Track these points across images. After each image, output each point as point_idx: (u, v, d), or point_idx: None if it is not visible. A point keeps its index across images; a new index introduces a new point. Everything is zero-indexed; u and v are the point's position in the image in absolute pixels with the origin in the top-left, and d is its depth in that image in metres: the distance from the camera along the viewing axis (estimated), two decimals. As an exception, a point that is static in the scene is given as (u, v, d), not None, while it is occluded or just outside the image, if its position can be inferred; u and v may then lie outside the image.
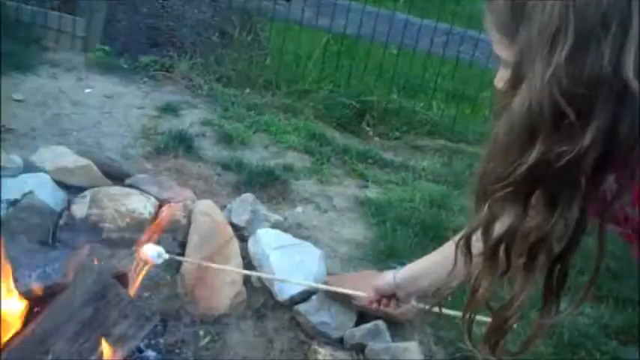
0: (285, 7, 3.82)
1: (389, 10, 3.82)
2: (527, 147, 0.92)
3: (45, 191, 2.41)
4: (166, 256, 1.87)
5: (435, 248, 2.93)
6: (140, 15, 4.13)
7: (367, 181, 3.21)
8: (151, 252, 1.88)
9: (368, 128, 3.81)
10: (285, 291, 2.30)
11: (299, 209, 2.83)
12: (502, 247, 1.02)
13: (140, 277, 2.01)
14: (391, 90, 3.97)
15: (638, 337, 2.61)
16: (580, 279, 1.14)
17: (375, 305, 1.75)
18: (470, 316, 1.12)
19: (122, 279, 2.13)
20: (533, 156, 0.92)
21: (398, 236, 2.77)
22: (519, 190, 0.96)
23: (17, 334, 1.86)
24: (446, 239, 2.87)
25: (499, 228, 1.01)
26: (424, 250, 2.78)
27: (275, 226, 2.58)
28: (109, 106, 3.31)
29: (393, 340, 2.28)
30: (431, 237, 2.84)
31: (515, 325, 1.07)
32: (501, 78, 0.99)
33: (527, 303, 1.03)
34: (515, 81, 0.92)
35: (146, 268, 1.97)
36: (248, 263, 2.39)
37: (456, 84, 4.12)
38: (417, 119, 3.88)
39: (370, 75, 3.99)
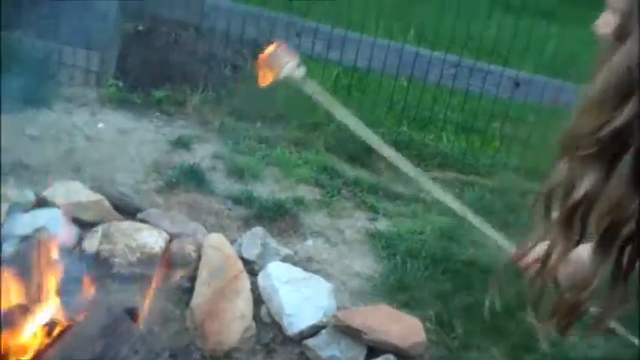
0: (295, 41, 3.85)
1: (399, 43, 3.85)
2: (621, 106, 0.91)
3: (57, 226, 2.43)
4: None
5: (445, 281, 2.93)
6: (153, 49, 4.18)
7: (378, 213, 3.22)
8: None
9: (378, 161, 3.82)
10: (295, 325, 2.30)
11: (309, 242, 2.83)
12: (579, 213, 0.99)
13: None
14: (401, 122, 3.98)
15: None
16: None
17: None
18: (540, 285, 1.09)
19: (133, 314, 2.14)
20: (624, 115, 0.91)
21: (408, 269, 2.77)
22: (605, 150, 0.94)
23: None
24: (456, 271, 2.88)
25: (578, 191, 0.98)
26: (434, 283, 2.80)
27: (285, 259, 2.59)
28: (121, 140, 3.35)
29: (403, 375, 2.28)
30: (441, 270, 2.83)
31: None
32: (605, 23, 0.97)
33: (601, 285, 1.00)
34: (620, 33, 0.91)
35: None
36: (258, 297, 2.40)
37: (466, 116, 4.13)
38: (428, 151, 3.89)
39: (381, 108, 4.01)
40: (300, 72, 1.47)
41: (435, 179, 3.76)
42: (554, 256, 1.04)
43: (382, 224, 3.11)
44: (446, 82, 3.84)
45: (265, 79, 1.54)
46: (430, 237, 3.04)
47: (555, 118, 4.11)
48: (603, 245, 0.98)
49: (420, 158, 3.87)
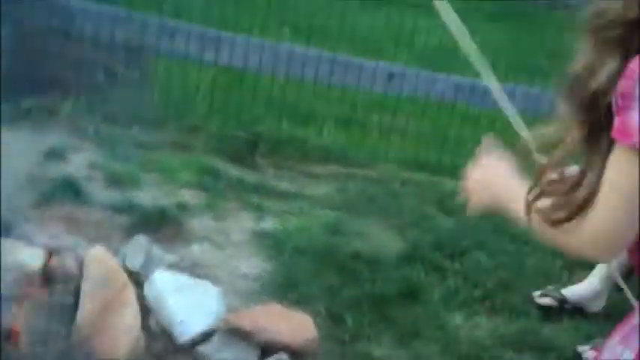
0: (168, 43, 3.78)
1: (273, 41, 3.86)
2: None
3: None
4: None
5: (333, 275, 2.97)
6: (18, 57, 4.00)
7: (263, 212, 3.22)
8: None
9: (261, 160, 3.83)
10: (185, 333, 2.27)
11: (195, 248, 2.80)
12: (599, 98, 1.05)
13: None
14: (281, 120, 4.00)
15: (532, 345, 2.73)
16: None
17: None
18: (539, 179, 1.14)
19: (11, 335, 2.05)
20: None
21: (296, 266, 2.79)
22: (630, 33, 1.02)
23: None
24: (343, 265, 2.93)
25: (599, 78, 1.04)
26: (323, 278, 2.83)
27: (171, 267, 2.55)
28: (-11, 154, 3.19)
29: (298, 372, 2.29)
30: (329, 264, 2.87)
31: None
32: None
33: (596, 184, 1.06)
34: None
35: None
36: (145, 308, 2.35)
37: (345, 109, 4.20)
38: (309, 147, 3.93)
39: (260, 106, 4.01)
40: None
41: (318, 174, 3.83)
42: (569, 141, 1.11)
43: (268, 223, 3.12)
44: (323, 77, 3.88)
45: None
46: (316, 232, 3.07)
47: (429, 110, 4.26)
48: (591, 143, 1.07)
49: (302, 154, 3.90)
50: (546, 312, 2.91)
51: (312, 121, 4.14)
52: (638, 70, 1.00)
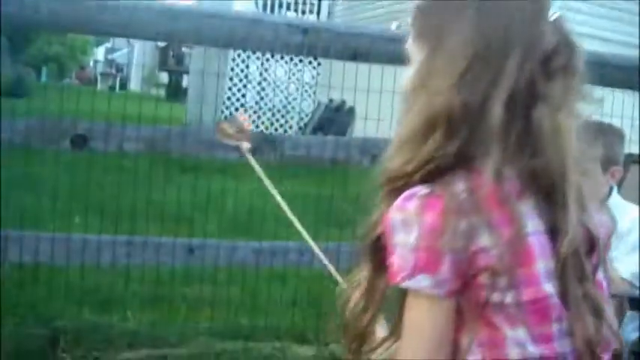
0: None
1: (64, 233, 3.77)
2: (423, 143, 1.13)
3: None
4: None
5: None
6: None
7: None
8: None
9: (64, 355, 3.63)
10: None
11: None
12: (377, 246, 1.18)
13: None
14: (82, 309, 3.85)
15: None
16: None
17: None
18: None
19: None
20: (425, 151, 1.12)
21: None
22: (409, 185, 1.14)
23: None
24: None
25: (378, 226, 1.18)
26: None
27: None
28: None
29: None
30: None
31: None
32: (406, 78, 1.20)
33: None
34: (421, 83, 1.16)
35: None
36: None
37: (148, 289, 4.13)
38: (115, 333, 3.79)
39: (58, 299, 3.85)
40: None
41: (126, 360, 3.68)
42: (362, 283, 1.22)
43: None
44: (120, 260, 3.81)
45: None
46: None
47: (234, 276, 4.29)
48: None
49: (108, 342, 3.75)
50: None
51: (115, 306, 4.03)
52: (389, 220, 1.13)
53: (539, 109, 1.13)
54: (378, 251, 1.17)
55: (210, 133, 3.76)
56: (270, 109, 13.30)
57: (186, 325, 3.99)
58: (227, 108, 13.41)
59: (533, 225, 1.12)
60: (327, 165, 3.84)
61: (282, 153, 3.44)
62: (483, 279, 1.09)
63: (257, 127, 12.98)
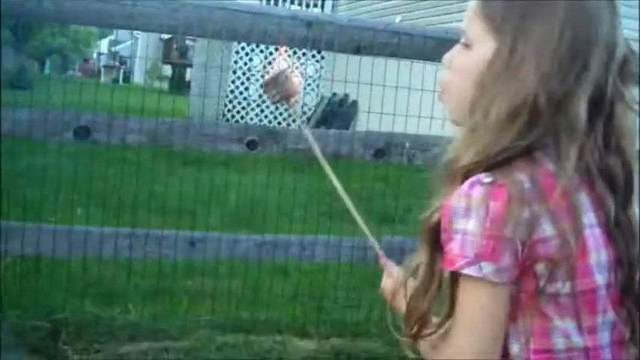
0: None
1: (66, 225, 3.76)
2: (502, 132, 1.12)
3: None
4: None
5: None
6: None
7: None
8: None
9: (65, 347, 3.63)
10: None
11: None
12: (436, 233, 1.19)
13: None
14: (84, 302, 3.86)
15: None
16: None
17: None
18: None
19: None
20: (504, 140, 1.12)
21: None
22: (477, 172, 1.14)
23: None
24: None
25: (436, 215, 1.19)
26: None
27: None
28: None
29: None
30: None
31: None
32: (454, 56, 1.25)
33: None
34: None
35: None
36: None
37: (150, 281, 4.13)
38: (116, 326, 3.79)
39: (59, 291, 3.85)
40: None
41: (127, 354, 3.68)
42: (420, 268, 1.22)
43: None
44: (122, 253, 3.81)
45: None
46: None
47: (236, 269, 4.29)
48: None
49: (110, 335, 3.75)
50: None
51: (117, 298, 4.03)
52: (450, 206, 1.13)
53: (620, 108, 1.17)
54: (437, 237, 1.18)
55: (213, 127, 3.76)
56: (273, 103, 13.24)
57: (188, 317, 3.99)
58: (230, 101, 13.41)
59: (587, 218, 1.15)
60: (330, 158, 3.82)
61: (284, 146, 3.43)
62: (540, 269, 1.11)
63: (260, 120, 12.98)
